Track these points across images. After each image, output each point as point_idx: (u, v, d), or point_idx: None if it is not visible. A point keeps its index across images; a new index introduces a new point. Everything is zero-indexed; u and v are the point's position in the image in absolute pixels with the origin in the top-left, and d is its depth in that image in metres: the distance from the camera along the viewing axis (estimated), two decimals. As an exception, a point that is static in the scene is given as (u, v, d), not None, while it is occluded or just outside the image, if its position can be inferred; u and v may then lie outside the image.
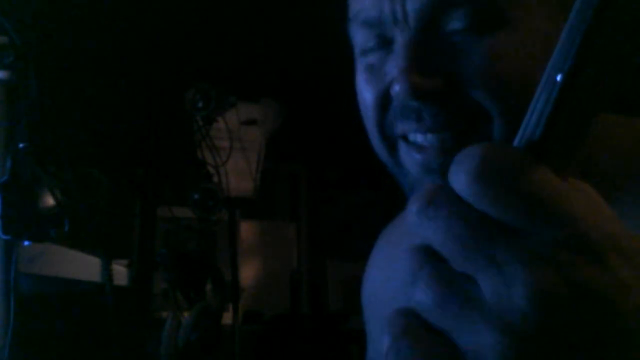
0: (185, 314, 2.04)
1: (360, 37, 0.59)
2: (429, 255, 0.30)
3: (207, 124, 2.30)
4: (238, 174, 2.46)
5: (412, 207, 0.30)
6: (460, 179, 0.29)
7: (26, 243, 1.56)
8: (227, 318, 2.42)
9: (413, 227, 0.30)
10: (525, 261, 0.27)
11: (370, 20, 0.56)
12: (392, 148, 0.59)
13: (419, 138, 0.55)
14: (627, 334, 0.27)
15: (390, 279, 0.72)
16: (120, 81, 2.52)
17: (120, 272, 1.94)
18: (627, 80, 0.29)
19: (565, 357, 0.27)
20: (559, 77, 0.28)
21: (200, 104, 2.24)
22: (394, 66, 0.54)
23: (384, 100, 0.57)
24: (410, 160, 0.57)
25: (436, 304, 0.29)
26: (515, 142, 0.30)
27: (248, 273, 3.52)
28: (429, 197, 0.30)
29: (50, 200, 1.50)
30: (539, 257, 0.27)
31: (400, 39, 0.54)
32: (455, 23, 0.51)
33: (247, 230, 3.55)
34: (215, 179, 2.30)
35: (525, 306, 0.27)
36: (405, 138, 0.57)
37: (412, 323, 0.31)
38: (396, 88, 0.53)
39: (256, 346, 3.14)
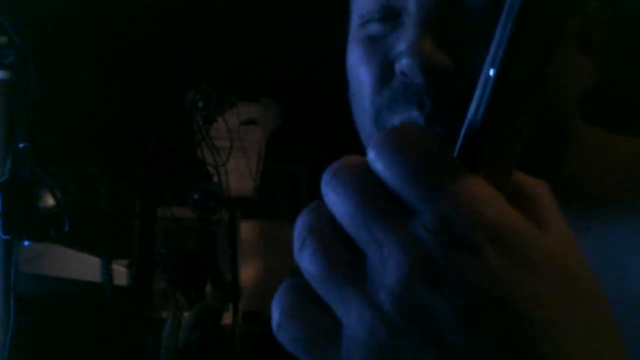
0: (185, 314, 2.04)
1: (363, 3, 0.55)
2: (321, 221, 0.30)
3: (207, 124, 2.31)
4: (238, 174, 2.46)
5: (322, 178, 0.30)
6: (375, 139, 0.29)
7: (26, 243, 1.56)
8: (227, 318, 2.41)
9: (323, 196, 0.30)
10: (402, 243, 0.27)
11: None
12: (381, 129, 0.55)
13: (420, 124, 0.52)
14: (489, 333, 0.26)
15: None
16: (120, 81, 2.52)
17: (120, 272, 1.94)
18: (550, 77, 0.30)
19: (428, 340, 0.27)
20: (491, 72, 0.29)
21: (200, 104, 2.24)
22: (403, 38, 0.51)
23: (384, 77, 0.53)
24: None
25: (322, 274, 0.29)
26: (459, 138, 0.31)
27: (248, 273, 3.52)
28: (335, 169, 0.30)
29: (50, 200, 1.50)
30: (417, 239, 0.27)
31: (413, 7, 0.50)
32: None
33: (247, 230, 3.55)
34: (215, 179, 2.30)
35: (393, 281, 0.27)
36: None
37: (300, 296, 0.31)
38: (404, 62, 0.49)
39: (256, 346, 3.14)
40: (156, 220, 2.21)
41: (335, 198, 0.29)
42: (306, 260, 0.30)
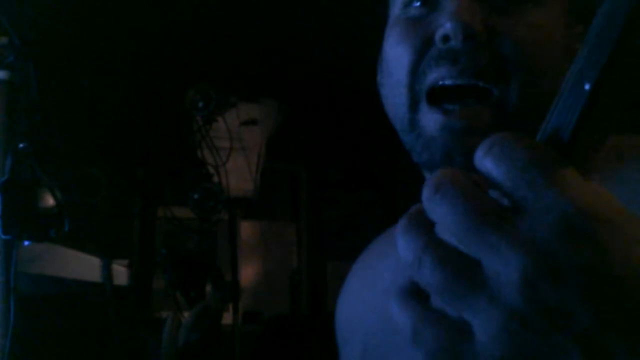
0: (185, 314, 2.04)
1: None
2: (432, 237, 0.32)
3: (207, 124, 2.31)
4: (238, 174, 2.46)
5: (424, 194, 0.32)
6: (482, 148, 0.32)
7: (26, 243, 1.56)
8: (227, 318, 2.42)
9: (426, 211, 0.32)
10: (519, 241, 0.29)
11: None
12: (414, 105, 0.62)
13: (449, 81, 0.59)
14: (615, 309, 0.29)
15: (371, 290, 0.73)
16: (120, 81, 2.52)
17: (120, 272, 1.93)
18: None
19: (559, 326, 0.29)
20: (587, 86, 0.30)
21: (200, 104, 2.24)
22: (443, 14, 0.59)
23: (424, 48, 0.61)
24: (431, 119, 0.60)
25: (445, 284, 0.31)
26: (538, 138, 0.33)
27: (248, 273, 3.52)
28: (437, 184, 0.32)
29: (50, 200, 1.50)
30: (532, 237, 0.29)
31: None
32: None
33: (247, 230, 3.55)
34: (215, 179, 2.30)
35: (520, 281, 0.29)
36: (430, 93, 0.60)
37: (424, 308, 0.33)
38: (448, 25, 0.58)
39: (256, 346, 3.14)
40: (156, 220, 2.22)
41: (442, 212, 0.31)
42: (427, 275, 0.32)
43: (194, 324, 1.97)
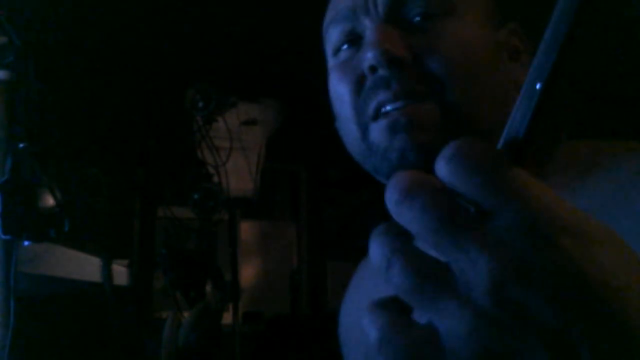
0: (185, 314, 2.04)
1: (333, 37, 0.68)
2: (402, 240, 0.33)
3: (207, 124, 2.31)
4: (238, 174, 2.46)
5: (390, 198, 0.33)
6: (443, 158, 0.32)
7: (26, 243, 1.56)
8: (227, 318, 2.42)
9: (392, 216, 0.33)
10: (488, 245, 0.30)
11: (344, 13, 0.67)
12: (365, 133, 0.65)
13: (389, 107, 0.62)
14: (577, 307, 0.30)
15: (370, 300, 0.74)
16: (120, 81, 2.52)
17: (120, 272, 1.93)
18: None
19: (527, 334, 0.30)
20: (538, 86, 0.33)
21: (200, 104, 2.24)
22: (366, 46, 0.63)
23: (359, 84, 0.64)
24: (379, 130, 0.63)
25: (414, 287, 0.32)
26: (500, 142, 0.35)
27: (248, 273, 3.52)
28: (406, 187, 0.33)
29: (50, 200, 1.50)
30: (499, 241, 0.30)
31: (370, 24, 0.64)
32: (415, 10, 0.63)
33: (247, 230, 3.56)
34: (215, 179, 2.30)
35: (487, 282, 0.30)
36: (376, 116, 0.63)
37: (395, 312, 0.34)
38: (369, 55, 0.61)
39: (256, 346, 3.14)
40: (156, 220, 2.22)
41: (411, 215, 0.32)
42: (396, 277, 0.32)
43: (194, 324, 1.97)
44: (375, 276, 0.77)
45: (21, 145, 1.51)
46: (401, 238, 0.33)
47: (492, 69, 0.64)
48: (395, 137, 0.61)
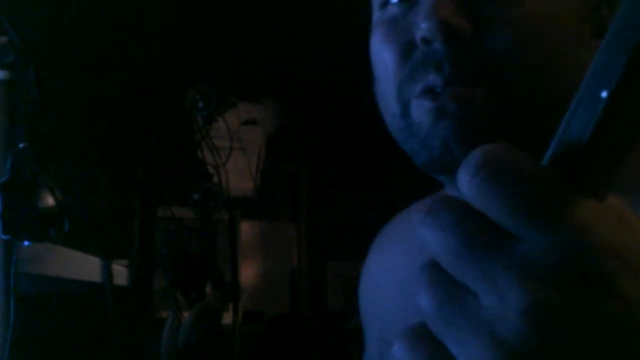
0: (185, 314, 2.04)
1: None
2: (431, 260, 0.30)
3: (207, 124, 2.31)
4: (238, 174, 2.46)
5: (417, 217, 0.29)
6: (467, 171, 0.28)
7: (26, 243, 1.56)
8: (227, 318, 2.42)
9: (418, 236, 0.29)
10: (520, 275, 0.26)
11: None
12: (406, 110, 0.56)
13: (438, 90, 0.53)
14: (631, 356, 0.26)
15: (389, 275, 0.71)
16: (120, 81, 2.52)
17: (120, 272, 1.93)
18: None
19: None
20: (604, 94, 0.27)
21: (200, 104, 2.24)
22: (421, 11, 0.52)
23: (407, 53, 0.54)
24: (423, 110, 0.53)
25: (434, 311, 0.28)
26: (547, 154, 0.29)
27: (248, 273, 3.52)
28: (430, 208, 0.29)
29: (50, 200, 1.50)
30: (535, 272, 0.26)
31: None
32: None
33: (247, 230, 3.55)
34: (215, 179, 2.30)
35: (519, 322, 0.26)
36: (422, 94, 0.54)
37: (418, 333, 0.30)
38: (424, 25, 0.50)
39: (256, 346, 3.14)
40: (156, 220, 2.21)
41: (434, 238, 0.28)
42: (421, 298, 0.29)
43: (194, 324, 1.97)
44: (393, 248, 0.76)
45: (21, 145, 1.51)
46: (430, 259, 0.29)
47: (572, 48, 0.53)
48: (439, 123, 0.52)
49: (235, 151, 2.39)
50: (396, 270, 0.68)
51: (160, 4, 2.48)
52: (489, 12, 0.51)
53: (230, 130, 2.36)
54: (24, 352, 1.67)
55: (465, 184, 0.28)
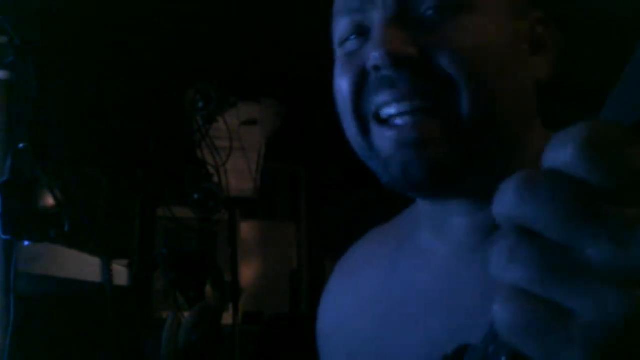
0: (185, 314, 2.04)
1: (341, 27, 0.64)
2: (520, 233, 0.30)
3: (207, 124, 2.31)
4: (238, 174, 2.46)
5: (510, 187, 0.30)
6: (568, 147, 0.28)
7: (26, 243, 1.56)
8: (227, 318, 2.42)
9: (508, 210, 0.30)
10: (620, 279, 0.27)
11: (353, 4, 0.62)
12: (365, 130, 0.62)
13: (392, 109, 0.58)
14: None
15: (362, 302, 0.72)
16: (120, 81, 2.52)
17: (120, 272, 1.93)
18: None
19: None
20: None
21: (200, 104, 2.24)
22: (371, 43, 0.59)
23: (360, 79, 0.61)
24: (383, 139, 0.60)
25: (543, 274, 0.28)
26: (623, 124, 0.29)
27: (248, 273, 3.52)
28: (527, 177, 0.29)
29: (50, 200, 1.50)
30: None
31: (377, 16, 0.59)
32: (427, 2, 0.58)
33: (247, 230, 3.55)
34: (215, 179, 2.30)
35: (617, 328, 0.26)
36: (377, 117, 0.60)
37: (519, 290, 0.30)
38: (374, 54, 0.57)
39: (256, 346, 3.14)
40: (156, 220, 2.21)
41: (537, 203, 0.28)
42: (521, 268, 0.30)
43: (194, 324, 1.97)
44: (361, 271, 0.76)
45: (21, 145, 1.51)
46: (520, 230, 0.29)
47: (510, 65, 0.59)
48: (400, 150, 0.58)
49: (235, 151, 2.39)
50: (371, 299, 0.70)
51: (161, 4, 2.48)
52: (434, 39, 0.57)
53: (230, 130, 2.36)
54: (24, 352, 1.67)
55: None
